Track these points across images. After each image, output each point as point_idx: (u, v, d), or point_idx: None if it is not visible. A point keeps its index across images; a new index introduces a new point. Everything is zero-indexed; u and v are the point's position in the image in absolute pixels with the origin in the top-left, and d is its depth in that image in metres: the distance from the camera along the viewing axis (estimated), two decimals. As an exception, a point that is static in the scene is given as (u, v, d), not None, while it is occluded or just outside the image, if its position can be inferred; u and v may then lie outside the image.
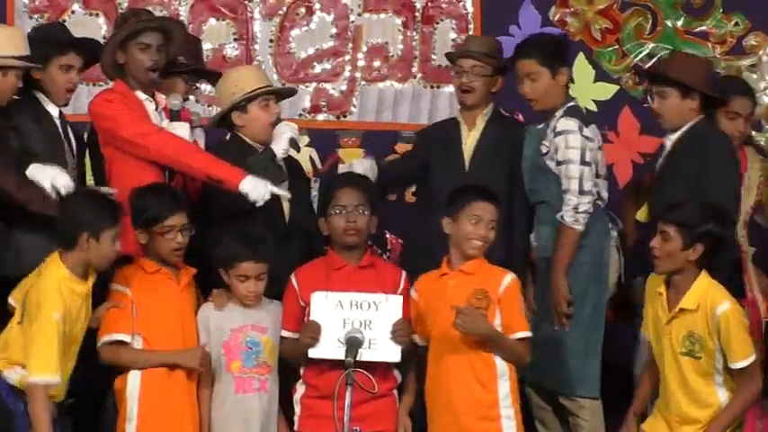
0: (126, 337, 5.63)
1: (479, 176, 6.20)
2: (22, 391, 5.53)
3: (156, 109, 6.15)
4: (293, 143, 6.10)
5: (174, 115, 6.17)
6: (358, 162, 6.48)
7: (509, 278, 5.69)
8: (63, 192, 5.79)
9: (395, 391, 5.79)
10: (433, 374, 5.70)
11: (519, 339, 5.63)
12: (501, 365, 5.62)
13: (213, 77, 6.42)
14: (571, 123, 6.21)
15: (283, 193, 5.94)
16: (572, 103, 6.42)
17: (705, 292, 5.53)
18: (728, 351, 5.39)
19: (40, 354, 5.37)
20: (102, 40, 6.75)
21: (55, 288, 5.44)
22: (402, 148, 7.07)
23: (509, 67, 6.47)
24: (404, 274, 5.89)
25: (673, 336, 5.51)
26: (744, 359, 5.40)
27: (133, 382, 5.63)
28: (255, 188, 5.86)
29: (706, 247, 5.51)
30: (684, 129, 6.08)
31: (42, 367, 5.33)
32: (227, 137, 6.21)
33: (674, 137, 6.10)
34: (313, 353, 5.61)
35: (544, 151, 6.23)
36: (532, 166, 6.30)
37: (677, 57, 6.57)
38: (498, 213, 5.73)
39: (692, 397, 5.49)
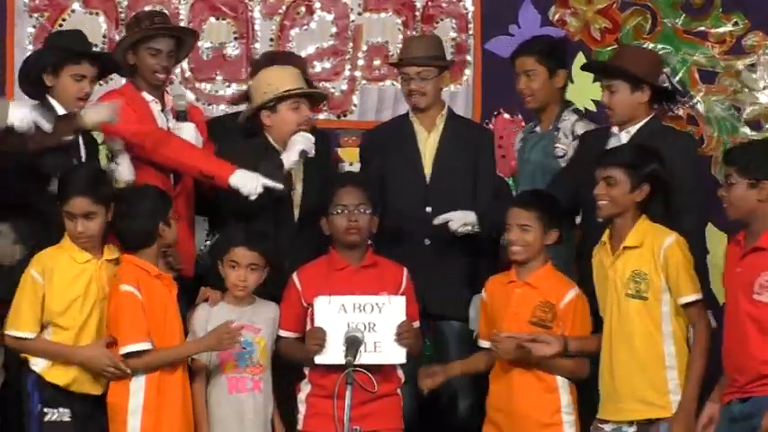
0: (148, 345, 5.59)
1: (441, 178, 6.33)
2: (45, 384, 5.59)
3: (163, 110, 6.21)
4: (304, 155, 6.09)
5: (180, 115, 6.20)
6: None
7: (571, 292, 5.78)
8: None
9: (399, 391, 5.81)
10: (496, 376, 5.80)
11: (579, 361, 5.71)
12: (561, 379, 5.75)
13: None
14: (591, 126, 6.30)
15: (276, 185, 5.94)
16: (574, 106, 6.53)
17: (648, 230, 5.63)
18: (676, 286, 5.50)
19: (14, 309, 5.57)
20: (101, 39, 6.86)
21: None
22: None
23: (451, 62, 6.61)
24: (405, 271, 5.91)
25: (618, 279, 5.61)
26: (692, 293, 5.50)
27: (138, 386, 5.61)
28: (246, 182, 5.91)
29: (651, 188, 5.61)
30: (639, 126, 6.07)
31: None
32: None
33: (631, 131, 6.08)
34: (319, 359, 5.66)
35: (560, 154, 6.30)
36: (540, 169, 6.35)
37: (627, 49, 6.68)
38: (531, 216, 5.75)
39: (638, 362, 5.55)
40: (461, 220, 6.17)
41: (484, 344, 5.87)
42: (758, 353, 5.35)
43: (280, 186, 5.96)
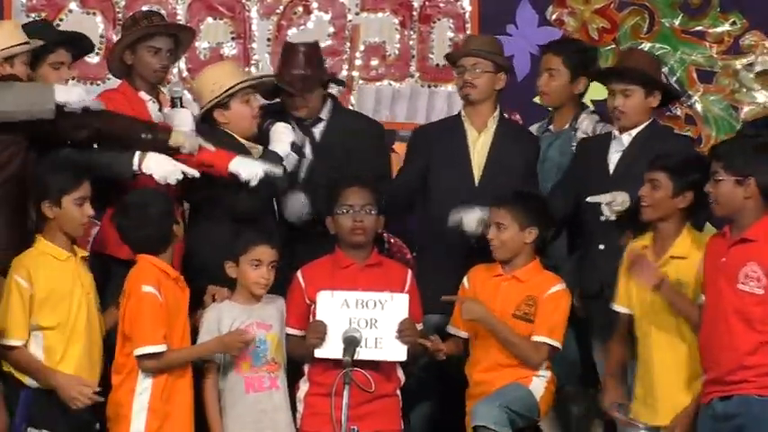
0: (163, 347, 5.59)
1: (491, 180, 6.28)
2: (36, 401, 5.57)
3: (160, 109, 6.19)
4: (296, 148, 6.14)
5: (176, 102, 6.15)
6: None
7: (556, 288, 5.86)
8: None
9: (398, 392, 5.83)
10: (476, 359, 5.88)
11: (535, 342, 5.76)
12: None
13: None
14: (610, 127, 6.31)
15: (276, 170, 5.92)
16: (591, 108, 6.63)
17: (695, 241, 5.67)
18: None
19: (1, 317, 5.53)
20: (99, 39, 6.86)
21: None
22: (400, 147, 6.98)
23: (511, 66, 6.53)
24: (410, 272, 5.94)
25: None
26: None
27: (143, 385, 5.61)
28: (246, 167, 5.85)
29: (694, 197, 5.61)
30: (640, 128, 6.11)
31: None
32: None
33: (633, 133, 6.11)
34: (319, 353, 5.67)
35: None
36: (556, 167, 6.42)
37: (638, 54, 6.68)
38: (507, 215, 5.81)
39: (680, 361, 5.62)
40: (472, 220, 6.06)
41: (461, 333, 5.94)
42: (741, 344, 5.39)
43: (279, 172, 5.94)
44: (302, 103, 6.31)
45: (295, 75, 6.30)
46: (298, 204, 6.23)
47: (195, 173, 5.83)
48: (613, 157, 6.11)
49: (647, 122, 6.15)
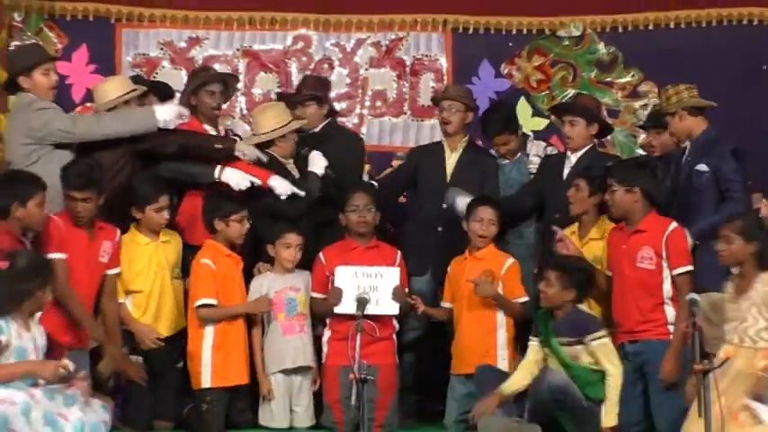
0: (214, 301, 5.58)
1: (458, 185, 6.14)
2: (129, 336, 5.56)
3: None
4: (326, 170, 6.04)
5: (227, 132, 6.21)
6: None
7: (509, 261, 5.80)
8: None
9: (393, 336, 5.83)
10: (458, 328, 5.81)
11: (520, 302, 5.73)
12: (501, 320, 5.75)
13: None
14: (555, 150, 6.43)
15: (300, 192, 5.82)
16: (533, 136, 6.63)
17: (607, 228, 5.64)
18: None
19: None
20: (182, 87, 6.75)
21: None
22: (396, 163, 6.89)
23: (476, 107, 6.39)
24: (399, 252, 5.94)
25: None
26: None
27: (208, 334, 5.59)
28: (279, 184, 5.79)
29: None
30: (584, 151, 6.05)
31: None
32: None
33: (578, 154, 6.04)
34: (337, 310, 5.70)
35: (534, 171, 6.31)
36: (518, 182, 6.32)
37: (583, 96, 6.58)
38: (496, 214, 5.79)
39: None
40: (466, 202, 5.97)
41: (446, 304, 5.92)
42: (643, 305, 5.42)
43: (302, 193, 5.86)
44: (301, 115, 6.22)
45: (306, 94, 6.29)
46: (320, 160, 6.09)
47: (258, 182, 5.77)
48: (565, 171, 6.04)
49: (589, 146, 6.09)
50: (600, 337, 5.33)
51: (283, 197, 5.82)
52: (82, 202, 5.28)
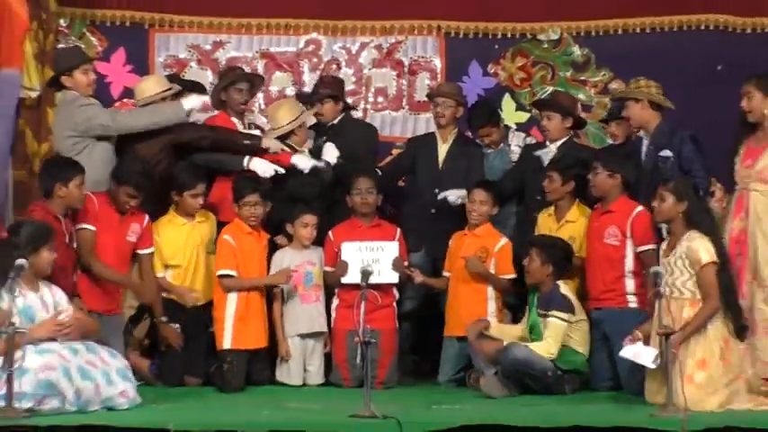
0: (234, 272, 5.60)
1: (448, 173, 6.20)
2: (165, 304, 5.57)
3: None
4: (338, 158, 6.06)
5: (250, 126, 6.20)
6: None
7: (503, 241, 5.78)
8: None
9: (394, 304, 5.85)
10: (450, 293, 5.83)
11: (507, 278, 5.74)
12: (490, 292, 5.76)
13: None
14: (533, 140, 6.42)
15: (320, 164, 5.89)
16: (515, 128, 6.65)
17: (581, 212, 5.65)
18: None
19: None
20: (209, 84, 6.64)
21: None
22: (396, 152, 6.88)
23: (466, 102, 6.38)
24: (398, 229, 5.95)
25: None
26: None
27: (231, 301, 5.58)
28: (301, 160, 5.84)
29: (577, 184, 5.60)
30: (562, 141, 6.03)
31: None
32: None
33: (557, 144, 6.03)
34: (344, 280, 5.74)
35: (515, 159, 6.30)
36: (501, 170, 6.27)
37: (560, 94, 6.52)
38: (489, 196, 5.79)
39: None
40: (456, 195, 6.02)
41: (446, 273, 5.92)
42: (607, 276, 5.48)
43: (323, 165, 5.92)
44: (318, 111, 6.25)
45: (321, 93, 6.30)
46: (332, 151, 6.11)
47: (281, 170, 5.80)
48: (545, 158, 6.01)
49: (566, 138, 6.07)
50: (557, 317, 5.29)
51: (306, 171, 5.83)
52: (132, 198, 5.38)
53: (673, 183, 4.99)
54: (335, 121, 6.34)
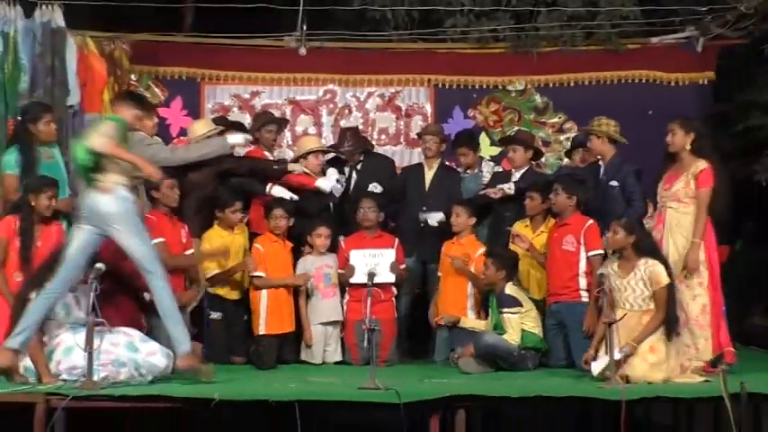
0: (263, 274, 5.66)
1: (433, 194, 6.20)
2: (208, 296, 5.57)
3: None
4: (340, 182, 6.07)
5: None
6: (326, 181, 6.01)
7: (482, 249, 5.73)
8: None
9: (393, 299, 5.85)
10: (442, 289, 5.79)
11: (483, 278, 5.62)
12: (470, 289, 5.72)
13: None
14: (500, 168, 6.37)
15: (338, 186, 5.91)
16: (486, 158, 6.59)
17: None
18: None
19: None
20: (247, 125, 6.62)
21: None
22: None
23: (449, 139, 6.41)
24: (396, 239, 5.96)
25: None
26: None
27: (263, 296, 5.62)
28: (323, 184, 5.87)
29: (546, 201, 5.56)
30: (524, 170, 6.03)
31: None
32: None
33: (521, 171, 6.03)
34: (353, 280, 5.76)
35: (485, 182, 6.19)
36: (474, 192, 6.17)
37: (522, 132, 6.54)
38: (465, 210, 5.76)
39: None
40: (434, 218, 6.03)
41: (440, 273, 5.87)
42: (564, 275, 5.49)
43: (340, 188, 5.96)
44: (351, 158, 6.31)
45: (346, 149, 6.31)
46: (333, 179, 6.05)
47: (295, 197, 5.82)
48: (511, 184, 5.99)
49: (528, 167, 6.09)
50: (510, 313, 5.33)
51: (327, 191, 5.87)
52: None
53: (625, 219, 5.02)
54: (361, 158, 6.35)
